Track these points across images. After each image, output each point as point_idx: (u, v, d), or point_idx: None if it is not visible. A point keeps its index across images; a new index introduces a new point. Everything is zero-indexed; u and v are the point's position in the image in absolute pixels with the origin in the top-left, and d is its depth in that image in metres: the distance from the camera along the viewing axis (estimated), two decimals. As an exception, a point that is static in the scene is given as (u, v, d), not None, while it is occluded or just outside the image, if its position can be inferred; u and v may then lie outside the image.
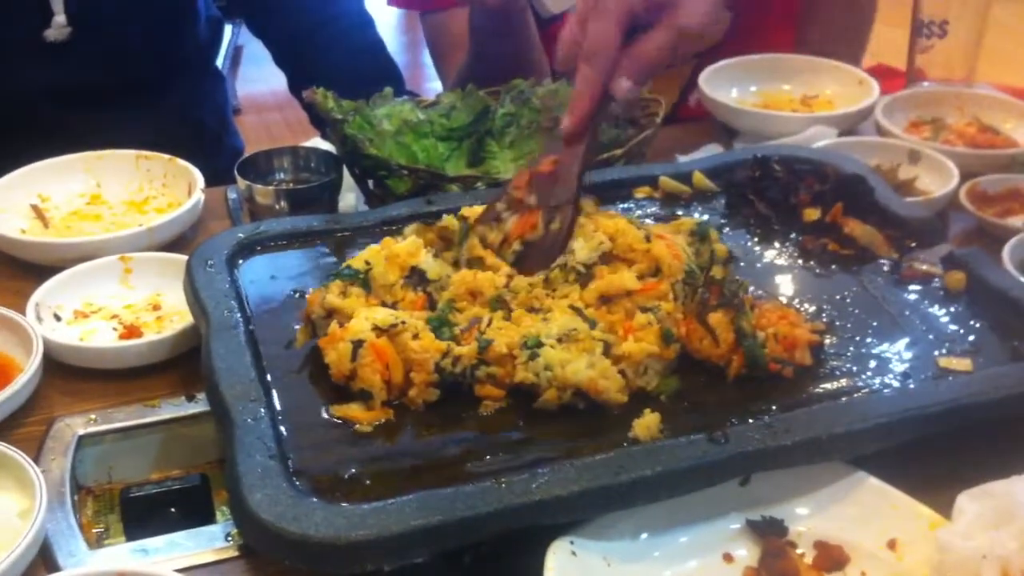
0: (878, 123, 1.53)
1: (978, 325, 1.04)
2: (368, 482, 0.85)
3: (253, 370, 0.94)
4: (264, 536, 0.79)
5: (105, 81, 1.61)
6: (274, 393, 0.93)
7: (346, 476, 0.85)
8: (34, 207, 1.36)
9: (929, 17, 1.64)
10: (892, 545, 0.87)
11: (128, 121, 1.58)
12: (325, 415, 0.92)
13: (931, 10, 1.64)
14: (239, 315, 1.01)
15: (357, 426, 0.91)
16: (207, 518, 1.01)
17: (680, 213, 1.21)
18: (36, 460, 0.97)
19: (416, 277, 1.03)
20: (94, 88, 1.61)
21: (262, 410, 0.89)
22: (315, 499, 0.81)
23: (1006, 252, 1.21)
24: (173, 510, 1.01)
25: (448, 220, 1.09)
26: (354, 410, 0.92)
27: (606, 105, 1.06)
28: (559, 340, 0.95)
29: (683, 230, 1.10)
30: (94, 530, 1.00)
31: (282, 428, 0.89)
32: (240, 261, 1.11)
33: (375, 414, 0.92)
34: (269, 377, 0.95)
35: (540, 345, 0.93)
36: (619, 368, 0.94)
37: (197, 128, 1.77)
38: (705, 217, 1.21)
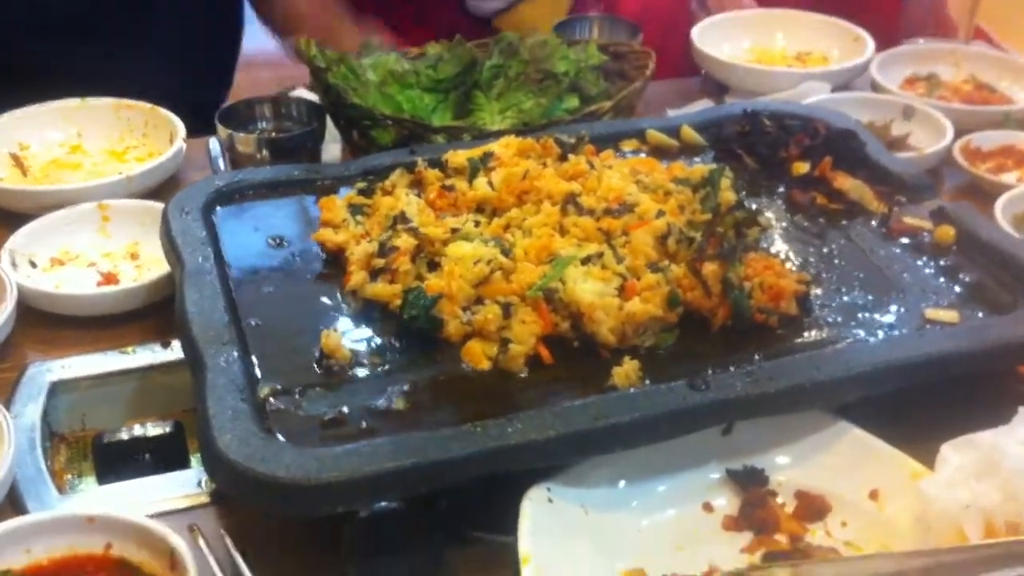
0: (873, 79, 1.51)
1: (967, 279, 1.02)
2: (342, 425, 0.83)
3: (227, 314, 0.92)
4: (233, 477, 0.78)
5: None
6: (248, 338, 0.91)
7: (319, 419, 0.83)
8: (12, 155, 1.34)
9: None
10: (874, 495, 0.86)
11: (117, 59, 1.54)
12: (300, 360, 0.90)
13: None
14: (214, 262, 0.99)
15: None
16: (181, 465, 0.99)
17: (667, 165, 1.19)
18: (8, 406, 0.96)
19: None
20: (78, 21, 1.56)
21: (235, 353, 0.87)
22: (286, 441, 0.80)
23: (998, 207, 1.20)
24: (147, 457, 1.00)
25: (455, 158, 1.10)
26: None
27: None
28: (583, 262, 0.95)
29: (695, 177, 1.08)
30: (67, 477, 0.99)
31: (256, 372, 0.87)
32: (218, 209, 1.09)
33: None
34: (243, 323, 0.93)
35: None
36: (621, 321, 0.92)
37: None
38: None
